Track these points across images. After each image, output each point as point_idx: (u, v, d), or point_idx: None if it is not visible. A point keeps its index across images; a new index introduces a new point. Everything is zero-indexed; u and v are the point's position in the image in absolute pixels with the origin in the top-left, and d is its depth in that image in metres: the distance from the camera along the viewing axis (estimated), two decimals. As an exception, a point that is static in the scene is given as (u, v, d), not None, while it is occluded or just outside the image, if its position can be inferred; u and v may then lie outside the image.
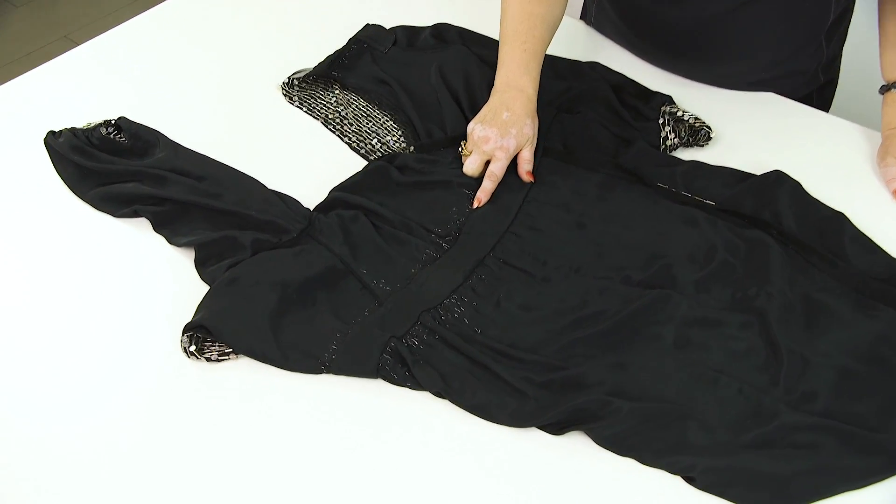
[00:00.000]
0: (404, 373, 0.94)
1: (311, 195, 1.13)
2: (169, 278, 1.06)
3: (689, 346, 0.95)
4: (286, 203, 1.12)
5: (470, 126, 1.15)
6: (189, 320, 0.97)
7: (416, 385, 0.93)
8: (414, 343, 0.96)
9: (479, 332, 0.98)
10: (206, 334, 0.96)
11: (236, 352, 0.96)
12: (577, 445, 0.89)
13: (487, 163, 1.13)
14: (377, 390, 0.94)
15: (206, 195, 1.12)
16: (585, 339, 0.96)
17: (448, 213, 1.10)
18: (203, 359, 0.96)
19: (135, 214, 1.13)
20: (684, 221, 1.09)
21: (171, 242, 1.10)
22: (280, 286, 1.00)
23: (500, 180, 1.11)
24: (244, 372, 0.96)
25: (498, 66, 1.18)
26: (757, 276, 1.01)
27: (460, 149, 1.15)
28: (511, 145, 1.11)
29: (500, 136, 1.11)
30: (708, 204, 1.11)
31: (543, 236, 1.07)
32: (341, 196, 1.12)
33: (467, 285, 1.02)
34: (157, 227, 1.12)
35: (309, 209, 1.11)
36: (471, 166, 1.13)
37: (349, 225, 1.08)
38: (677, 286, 1.01)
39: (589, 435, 0.88)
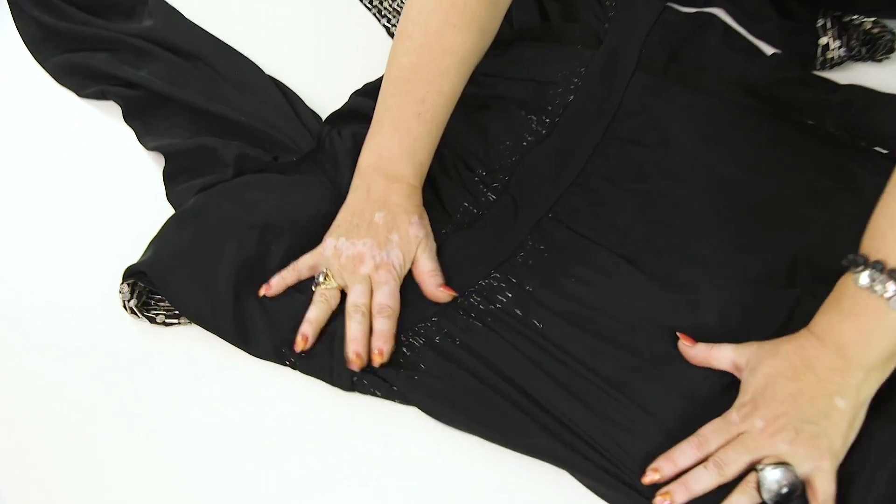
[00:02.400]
0: (390, 388, 0.67)
1: (333, 101, 0.85)
2: (134, 193, 0.82)
3: None
4: (295, 109, 0.84)
5: (324, 246, 0.73)
6: (135, 261, 0.73)
7: (406, 401, 0.67)
8: (417, 344, 0.69)
9: (540, 325, 0.69)
10: (152, 285, 0.72)
11: (183, 315, 0.72)
12: None
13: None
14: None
15: (192, 83, 0.86)
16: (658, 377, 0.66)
17: (498, 147, 0.80)
18: (145, 318, 0.72)
19: (102, 96, 0.88)
20: (847, 187, 0.74)
21: (140, 142, 0.84)
22: (259, 230, 0.74)
23: (396, 315, 0.70)
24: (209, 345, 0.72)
25: (370, 129, 0.76)
26: None
27: (315, 283, 0.72)
28: (396, 259, 0.72)
29: (378, 248, 0.72)
30: (882, 155, 0.76)
31: (625, 193, 0.76)
32: (364, 104, 0.83)
33: (519, 258, 0.74)
34: (128, 118, 0.86)
35: (320, 121, 0.83)
36: (358, 301, 0.70)
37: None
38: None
39: None
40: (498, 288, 0.72)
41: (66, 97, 0.89)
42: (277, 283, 0.72)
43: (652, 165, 0.76)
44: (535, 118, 0.81)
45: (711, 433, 0.60)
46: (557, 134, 0.80)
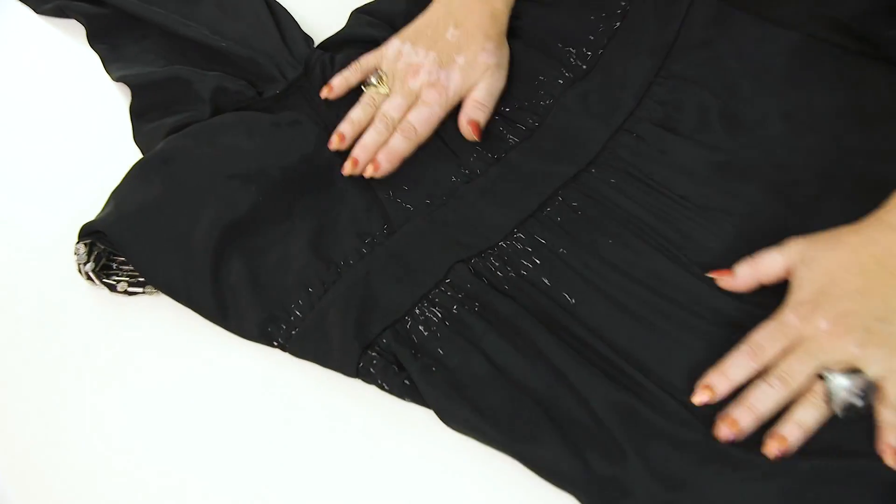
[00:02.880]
0: (402, 382, 0.56)
1: (332, 26, 0.72)
2: (97, 133, 0.70)
3: None
4: (283, 32, 0.71)
5: (389, 45, 0.67)
6: (93, 218, 0.61)
7: (421, 400, 0.56)
8: (434, 317, 0.58)
9: (572, 301, 0.57)
10: (113, 246, 0.60)
11: (150, 283, 0.60)
12: None
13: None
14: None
15: (167, -1, 0.73)
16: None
17: (530, 85, 0.67)
18: (104, 286, 0.60)
19: (62, 13, 0.75)
20: None
21: (106, 69, 0.71)
22: (242, 180, 0.62)
23: (420, 141, 0.64)
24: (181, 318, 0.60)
25: None
26: None
27: (366, 83, 0.67)
28: (453, 82, 0.65)
29: (439, 66, 0.65)
30: None
31: (681, 143, 0.63)
32: (366, 26, 0.70)
33: (547, 216, 0.61)
34: (92, 40, 0.73)
35: (311, 46, 0.70)
36: (389, 113, 0.64)
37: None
38: None
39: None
40: (523, 251, 0.60)
41: (21, 15, 0.76)
42: (340, 84, 0.66)
43: (715, 113, 0.63)
44: (573, 50, 0.67)
45: (766, 339, 0.51)
46: (600, 69, 0.66)
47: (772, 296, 0.54)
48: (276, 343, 0.58)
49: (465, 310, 0.57)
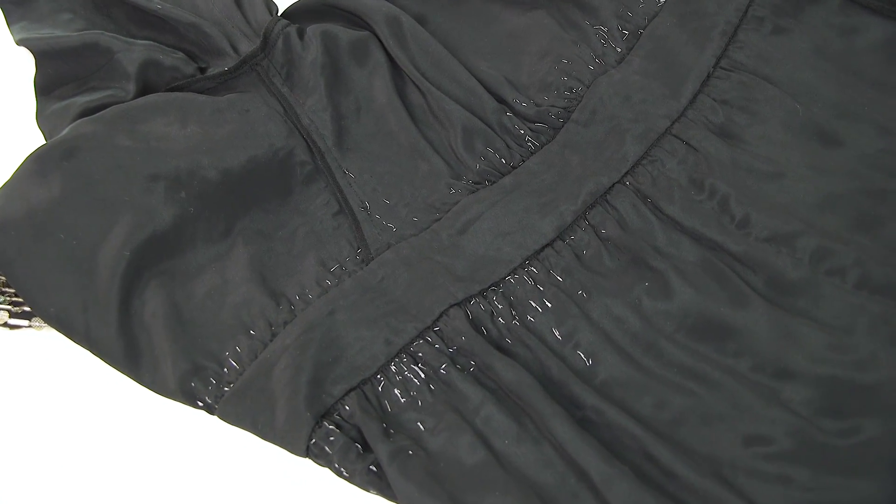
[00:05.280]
0: (366, 468, 0.41)
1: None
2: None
3: None
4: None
5: None
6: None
7: (390, 493, 0.41)
8: (416, 378, 0.43)
9: (589, 362, 0.44)
10: (-10, 265, 0.45)
11: (40, 316, 0.45)
12: None
13: None
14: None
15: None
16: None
17: (552, 70, 0.52)
18: (-23, 316, 0.45)
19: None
20: None
21: (9, 28, 0.56)
22: (168, 183, 0.47)
23: None
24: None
25: None
26: None
27: None
28: None
29: None
30: None
31: (745, 157, 0.48)
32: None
33: (568, 245, 0.47)
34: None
35: (275, 13, 0.55)
36: None
37: (342, 61, 0.52)
38: None
39: None
40: (532, 290, 0.45)
41: None
42: None
43: (790, 120, 0.48)
44: (605, 29, 0.52)
45: None
46: (641, 55, 0.51)
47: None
48: (200, 404, 0.43)
49: (457, 370, 0.43)
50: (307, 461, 0.42)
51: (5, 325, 0.45)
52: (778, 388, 0.42)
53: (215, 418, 0.43)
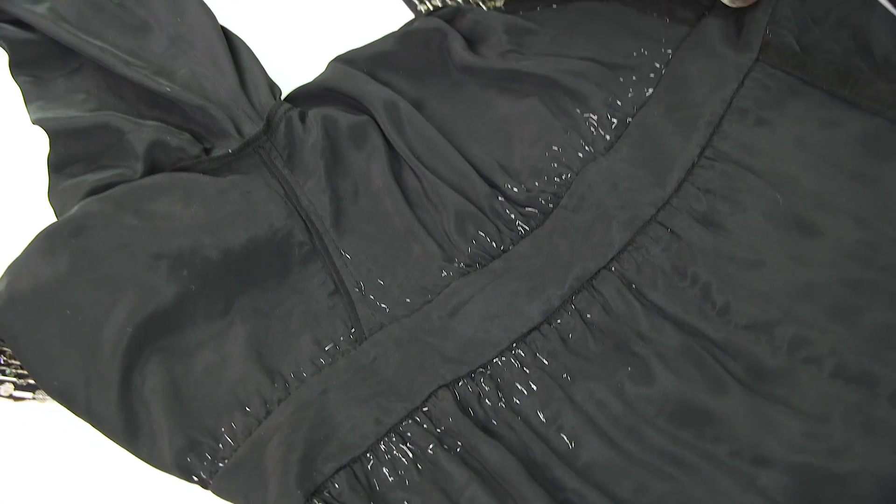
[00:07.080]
0: None
1: (309, 71, 0.60)
2: (7, 186, 0.57)
3: None
4: (243, 75, 0.58)
5: None
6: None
7: None
8: (404, 458, 0.45)
9: (572, 445, 0.45)
10: (-1, 340, 0.47)
11: (44, 390, 0.47)
12: None
13: None
14: None
15: (109, 26, 0.60)
16: None
17: (543, 156, 0.54)
18: (-18, 388, 0.47)
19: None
20: None
21: (27, 107, 0.59)
22: (171, 262, 0.49)
23: None
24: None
25: None
26: None
27: None
28: None
29: None
30: None
31: (727, 245, 0.49)
32: (345, 78, 0.57)
33: (554, 329, 0.48)
34: (15, 70, 0.60)
35: (278, 97, 0.57)
36: None
37: (342, 144, 0.55)
38: None
39: None
40: (518, 372, 0.47)
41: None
42: None
43: (772, 210, 0.50)
44: (594, 117, 0.55)
45: None
46: (629, 143, 0.53)
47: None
48: (195, 479, 0.45)
49: (444, 451, 0.44)
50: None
51: (10, 396, 0.47)
52: (755, 474, 0.43)
53: (209, 493, 0.45)
